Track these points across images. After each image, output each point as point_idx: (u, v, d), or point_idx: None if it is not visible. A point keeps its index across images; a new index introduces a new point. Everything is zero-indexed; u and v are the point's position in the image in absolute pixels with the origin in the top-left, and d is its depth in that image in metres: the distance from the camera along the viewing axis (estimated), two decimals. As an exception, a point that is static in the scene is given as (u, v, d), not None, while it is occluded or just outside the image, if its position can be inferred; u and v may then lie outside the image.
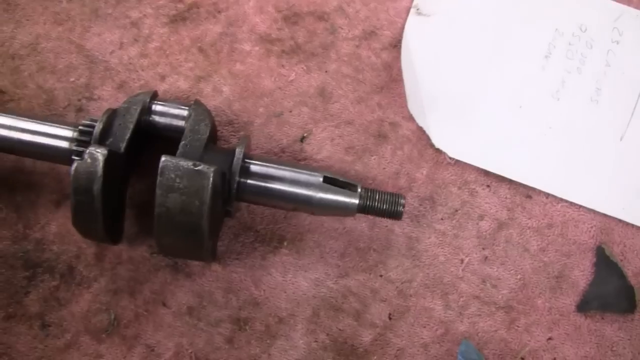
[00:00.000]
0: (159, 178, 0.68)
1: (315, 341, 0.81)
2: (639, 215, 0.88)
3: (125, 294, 0.81)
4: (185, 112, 0.77)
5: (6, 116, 0.76)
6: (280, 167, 0.77)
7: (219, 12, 0.90)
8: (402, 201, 0.78)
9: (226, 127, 0.86)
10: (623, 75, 0.92)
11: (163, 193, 0.68)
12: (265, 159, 0.78)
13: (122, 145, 0.74)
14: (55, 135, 0.76)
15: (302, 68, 0.89)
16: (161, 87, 0.87)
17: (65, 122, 0.78)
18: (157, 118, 0.78)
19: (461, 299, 0.84)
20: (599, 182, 0.89)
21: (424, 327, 0.83)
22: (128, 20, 0.89)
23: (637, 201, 0.88)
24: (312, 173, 0.76)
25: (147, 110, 0.77)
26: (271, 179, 0.76)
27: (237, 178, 0.74)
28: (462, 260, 0.85)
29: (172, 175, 0.68)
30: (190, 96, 0.87)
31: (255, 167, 0.76)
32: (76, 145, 0.74)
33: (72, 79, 0.87)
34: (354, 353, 0.81)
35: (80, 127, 0.75)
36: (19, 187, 0.83)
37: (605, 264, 0.86)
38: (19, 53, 0.87)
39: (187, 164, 0.68)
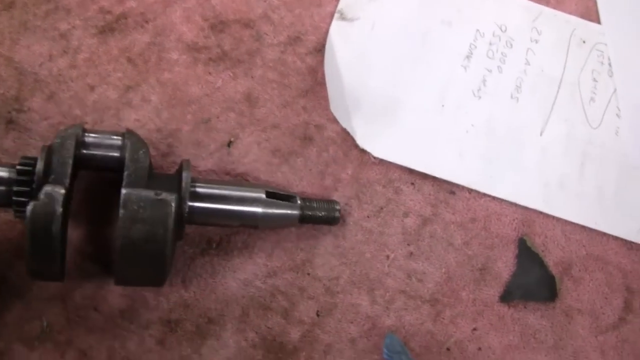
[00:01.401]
0: (122, 211, 0.70)
1: (245, 340, 0.84)
2: (559, 206, 0.93)
3: (57, 301, 0.84)
4: (119, 142, 0.78)
5: None
6: (223, 187, 0.81)
7: (147, 22, 0.93)
8: (338, 207, 0.84)
9: (155, 135, 0.89)
10: (542, 73, 0.98)
11: (126, 225, 0.70)
12: (208, 181, 0.83)
13: (66, 181, 0.74)
14: None
15: (229, 75, 0.92)
16: (91, 98, 0.90)
17: None
18: (91, 150, 0.78)
19: (387, 294, 0.88)
20: (520, 176, 0.94)
21: (352, 322, 0.86)
22: (57, 32, 0.92)
23: (557, 193, 0.93)
24: (255, 190, 0.81)
25: (80, 144, 0.77)
26: (218, 199, 0.80)
27: (187, 202, 0.76)
28: (388, 257, 0.89)
29: (135, 207, 0.70)
30: (119, 105, 0.90)
31: (201, 190, 0.79)
32: (17, 186, 0.74)
33: (1, 91, 0.89)
34: (283, 350, 0.85)
35: (18, 167, 0.74)
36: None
37: (527, 255, 0.91)
38: (-51, 67, 0.90)
39: (149, 194, 0.71)
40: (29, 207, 0.70)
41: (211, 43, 0.94)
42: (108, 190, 0.83)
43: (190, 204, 0.78)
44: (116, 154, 0.79)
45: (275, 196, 0.81)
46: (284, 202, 0.81)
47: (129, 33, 0.93)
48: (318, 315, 0.86)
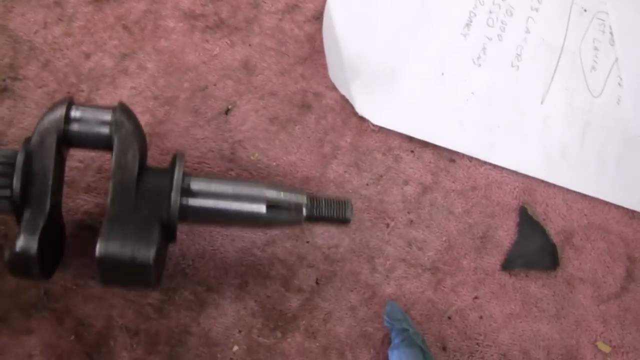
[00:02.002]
0: (97, 270, 0.69)
1: (244, 308, 0.85)
2: (560, 175, 0.93)
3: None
4: (108, 117, 0.73)
5: None
6: (224, 185, 0.77)
7: (142, -11, 0.93)
8: (350, 207, 0.79)
9: (152, 102, 0.89)
10: (542, 41, 0.98)
11: (105, 279, 0.71)
12: (205, 175, 0.80)
13: (47, 200, 0.71)
14: None
15: (226, 42, 0.92)
16: (86, 65, 0.90)
17: None
18: (77, 128, 0.73)
19: (388, 262, 0.88)
20: (521, 144, 0.94)
21: (351, 290, 0.87)
22: (51, 0, 0.92)
23: (558, 162, 0.93)
24: (257, 197, 0.76)
25: (65, 131, 0.73)
26: (216, 197, 0.75)
27: (178, 204, 0.72)
28: (387, 225, 0.89)
29: (111, 267, 0.69)
30: (115, 73, 0.90)
31: (196, 186, 0.75)
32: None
33: (-5, 60, 0.89)
34: (282, 318, 0.85)
35: None
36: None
37: (528, 223, 0.91)
38: (-58, 36, 0.90)
39: (125, 255, 0.68)
40: (6, 256, 0.69)
41: (208, 11, 0.94)
42: (103, 155, 0.84)
43: (182, 203, 0.73)
44: (106, 132, 0.73)
45: (279, 204, 0.76)
46: (288, 210, 0.77)
47: (124, 1, 0.93)
48: (317, 283, 0.86)
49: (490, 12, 0.98)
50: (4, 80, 0.89)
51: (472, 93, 0.95)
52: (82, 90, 0.89)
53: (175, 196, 0.72)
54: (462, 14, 0.98)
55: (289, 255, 0.87)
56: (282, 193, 0.77)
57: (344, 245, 0.88)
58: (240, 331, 0.84)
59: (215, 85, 0.91)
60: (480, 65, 0.96)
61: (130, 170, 0.72)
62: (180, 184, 0.72)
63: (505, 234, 0.91)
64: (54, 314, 0.83)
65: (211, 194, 0.75)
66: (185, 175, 0.75)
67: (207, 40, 0.93)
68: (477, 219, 0.91)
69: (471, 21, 0.98)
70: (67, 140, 0.73)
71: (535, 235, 0.91)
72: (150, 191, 0.72)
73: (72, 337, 0.82)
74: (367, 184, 0.90)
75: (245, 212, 0.76)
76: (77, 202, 0.85)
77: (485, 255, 0.90)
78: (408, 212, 0.90)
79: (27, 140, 0.73)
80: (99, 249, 0.69)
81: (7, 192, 0.71)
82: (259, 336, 0.84)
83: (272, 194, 0.76)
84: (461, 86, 0.95)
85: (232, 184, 0.77)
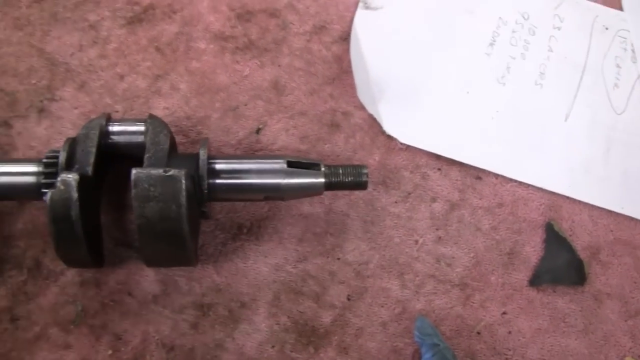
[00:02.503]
0: (133, 190, 0.73)
1: (277, 324, 0.87)
2: (585, 191, 0.96)
3: (91, 286, 0.87)
4: (142, 127, 0.82)
5: None
6: (243, 161, 0.83)
7: (174, 12, 0.97)
8: (365, 171, 0.83)
9: (184, 122, 0.92)
10: (565, 60, 1.01)
11: (140, 204, 0.74)
12: (227, 156, 0.85)
13: (89, 169, 0.78)
14: (21, 172, 0.80)
15: (256, 63, 0.96)
16: (120, 87, 0.93)
17: (27, 158, 0.84)
18: (116, 138, 0.83)
19: (417, 278, 0.91)
20: (546, 161, 0.96)
21: (382, 306, 0.89)
22: (86, 23, 0.96)
23: (583, 178, 0.96)
24: (275, 160, 0.82)
25: (105, 133, 0.82)
26: (238, 173, 0.82)
27: (206, 179, 0.79)
28: (416, 241, 0.92)
29: (146, 185, 0.74)
30: (149, 94, 0.93)
31: (221, 166, 0.82)
32: (44, 178, 0.78)
33: (33, 81, 0.93)
34: (315, 334, 0.88)
35: (44, 160, 0.79)
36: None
37: (554, 239, 0.94)
38: (-20, 58, 0.94)
39: (157, 171, 0.74)
40: (47, 195, 0.74)
41: (238, 32, 0.97)
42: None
43: (210, 180, 0.80)
44: (140, 140, 0.82)
45: (298, 165, 0.82)
46: (307, 171, 0.82)
47: (157, 23, 0.97)
48: (349, 299, 0.89)
49: (513, 31, 1.02)
50: (41, 101, 0.93)
51: (497, 111, 0.98)
52: (117, 111, 0.92)
53: (202, 162, 0.79)
54: (485, 34, 1.01)
55: (320, 272, 0.90)
56: (300, 162, 0.81)
57: (374, 261, 0.91)
58: (273, 346, 0.86)
59: (246, 105, 0.94)
60: (504, 84, 0.99)
61: (162, 148, 0.79)
62: (206, 164, 0.79)
63: (532, 250, 0.93)
64: (91, 330, 0.86)
65: (234, 172, 0.82)
66: (210, 157, 0.81)
67: (237, 61, 0.96)
68: (504, 235, 0.93)
69: (495, 41, 1.01)
70: (106, 143, 0.81)
71: (562, 251, 0.93)
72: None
73: (110, 352, 0.85)
74: (396, 202, 0.93)
75: (267, 185, 0.81)
76: (112, 218, 0.88)
77: (512, 271, 0.92)
78: (436, 229, 0.93)
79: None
80: (134, 172, 0.74)
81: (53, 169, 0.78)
82: (292, 351, 0.86)
83: (290, 164, 0.81)
84: (486, 105, 0.98)
85: (252, 161, 0.83)
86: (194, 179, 0.79)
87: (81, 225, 0.75)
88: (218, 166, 0.82)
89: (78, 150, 0.79)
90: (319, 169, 0.82)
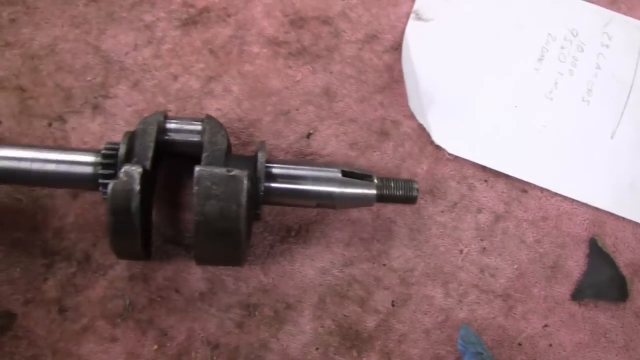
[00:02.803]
0: (195, 187, 0.75)
1: (322, 326, 0.88)
2: (630, 208, 0.97)
3: (139, 281, 0.88)
4: (199, 127, 0.84)
5: (28, 149, 0.82)
6: (299, 167, 0.84)
7: (229, 16, 0.99)
8: (416, 186, 0.85)
9: (236, 124, 0.94)
10: (613, 77, 1.02)
11: (201, 201, 0.75)
12: (283, 161, 0.86)
13: (147, 164, 0.80)
14: (79, 162, 0.81)
15: (308, 69, 0.98)
16: (173, 87, 0.95)
17: (84, 148, 0.86)
18: (172, 135, 0.84)
19: (461, 288, 0.92)
20: (591, 177, 0.98)
21: (426, 314, 0.90)
22: (142, 24, 0.98)
23: (628, 195, 0.97)
24: (330, 169, 0.84)
25: (162, 130, 0.84)
26: (294, 179, 0.83)
27: (263, 182, 0.81)
28: (461, 251, 0.93)
29: (208, 183, 0.75)
30: (201, 95, 0.95)
31: (277, 170, 0.84)
32: (102, 169, 0.80)
33: (88, 78, 0.95)
34: (358, 338, 0.89)
35: (103, 152, 0.81)
36: (38, 180, 0.90)
37: (598, 255, 0.95)
38: (38, 54, 0.96)
39: (221, 170, 0.76)
40: (110, 186, 0.76)
41: (291, 38, 0.99)
42: (190, 175, 0.88)
43: (266, 184, 0.82)
44: (196, 139, 0.84)
45: (352, 175, 0.84)
46: (360, 181, 0.84)
47: (211, 26, 0.99)
48: (393, 305, 0.90)
49: (562, 47, 1.03)
50: (95, 97, 0.95)
51: (544, 126, 0.99)
52: (170, 110, 0.94)
53: (260, 165, 0.81)
54: (534, 49, 1.02)
55: (366, 277, 0.91)
56: (354, 173, 0.83)
57: (419, 269, 0.92)
58: (317, 349, 0.88)
59: (297, 110, 0.96)
60: (552, 99, 1.00)
61: (220, 148, 0.81)
62: (264, 167, 0.81)
63: (575, 264, 0.94)
64: (138, 324, 0.87)
65: (290, 177, 0.83)
66: (267, 160, 0.83)
67: (290, 67, 0.98)
68: (548, 248, 0.94)
69: (543, 56, 1.02)
70: (163, 140, 0.83)
71: (605, 267, 0.94)
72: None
73: (155, 347, 0.86)
74: (442, 211, 0.94)
75: (321, 192, 0.83)
76: (163, 215, 0.90)
77: (555, 285, 0.93)
78: (481, 240, 0.94)
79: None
80: (197, 169, 0.76)
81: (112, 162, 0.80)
82: (335, 354, 0.88)
83: (344, 174, 0.83)
84: (533, 119, 0.99)
85: (308, 168, 0.84)
86: (253, 181, 0.80)
87: (139, 219, 0.76)
88: (275, 170, 0.83)
89: (136, 144, 0.81)
90: (372, 181, 0.84)
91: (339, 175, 0.83)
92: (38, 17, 0.98)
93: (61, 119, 0.93)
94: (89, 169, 0.81)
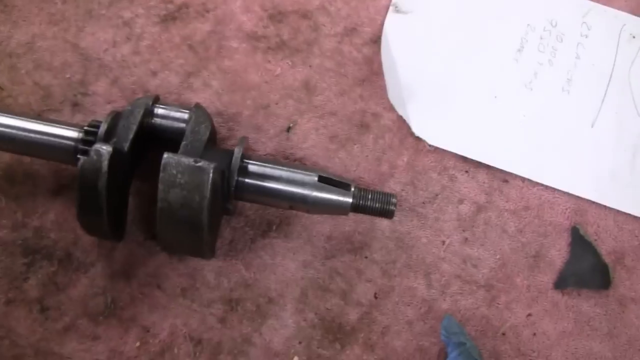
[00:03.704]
0: (161, 174, 0.75)
1: (304, 320, 0.88)
2: (611, 197, 0.97)
3: (121, 278, 0.88)
4: (186, 115, 0.85)
5: (13, 117, 0.83)
6: (276, 167, 0.84)
7: (207, 11, 0.99)
8: (394, 200, 0.84)
9: (216, 118, 0.94)
10: (592, 67, 1.02)
11: (165, 188, 0.75)
12: (262, 159, 0.86)
13: (126, 145, 0.81)
14: (61, 135, 0.83)
15: (287, 63, 0.97)
16: (153, 83, 0.95)
17: (70, 123, 0.85)
18: (159, 121, 0.85)
19: (443, 279, 0.92)
20: (572, 166, 0.98)
21: (408, 305, 0.90)
22: (121, 20, 0.98)
23: (609, 184, 0.97)
24: (308, 172, 0.83)
25: (149, 113, 0.84)
26: (268, 178, 0.83)
27: (235, 177, 0.81)
28: (443, 242, 0.93)
29: (174, 172, 0.75)
30: (181, 90, 0.95)
31: (253, 167, 0.84)
32: (82, 145, 0.81)
33: (67, 76, 0.95)
34: (341, 331, 0.89)
35: (85, 128, 0.82)
36: (18, 178, 0.90)
37: (580, 243, 0.95)
38: (16, 52, 0.95)
39: (188, 160, 0.76)
40: (79, 162, 0.76)
41: (270, 32, 0.99)
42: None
43: (239, 179, 0.82)
44: (182, 126, 0.84)
45: (329, 181, 0.83)
46: (336, 189, 0.83)
47: (190, 22, 0.99)
48: (376, 297, 0.90)
49: (541, 38, 1.03)
50: (75, 95, 0.94)
51: (524, 116, 0.99)
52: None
53: (235, 160, 0.81)
54: (514, 40, 1.02)
55: (348, 270, 0.91)
56: (331, 179, 0.83)
57: (401, 261, 0.92)
58: (300, 342, 0.87)
59: (277, 104, 0.96)
60: (531, 89, 1.00)
61: (200, 138, 0.81)
62: (238, 162, 0.81)
63: (558, 253, 0.94)
64: (120, 322, 0.87)
65: (265, 175, 0.83)
66: (245, 156, 0.83)
67: (269, 61, 0.98)
68: (530, 238, 0.94)
69: (523, 47, 1.02)
70: (149, 124, 0.84)
71: (587, 255, 0.94)
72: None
73: (138, 344, 0.86)
74: (424, 203, 0.94)
75: (295, 194, 0.83)
76: (145, 211, 0.90)
77: (538, 274, 0.93)
78: (463, 230, 0.94)
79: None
80: (165, 156, 0.76)
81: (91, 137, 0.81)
82: (318, 347, 0.87)
83: (321, 179, 0.82)
84: (513, 109, 0.99)
85: (285, 169, 0.84)
86: (224, 174, 0.80)
87: (106, 197, 0.77)
88: (250, 167, 0.83)
89: (119, 125, 0.82)
90: (349, 189, 0.83)
91: (315, 179, 0.82)
92: (16, 15, 0.97)
93: (40, 117, 0.93)
94: (69, 144, 0.83)
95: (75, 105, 0.94)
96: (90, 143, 0.81)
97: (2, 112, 0.85)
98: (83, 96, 0.94)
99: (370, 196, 0.85)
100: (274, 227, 0.91)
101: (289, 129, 0.95)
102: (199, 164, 0.76)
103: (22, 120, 0.84)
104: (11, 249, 0.88)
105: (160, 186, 0.76)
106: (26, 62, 0.95)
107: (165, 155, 0.76)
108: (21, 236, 0.89)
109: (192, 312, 0.88)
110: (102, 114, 0.93)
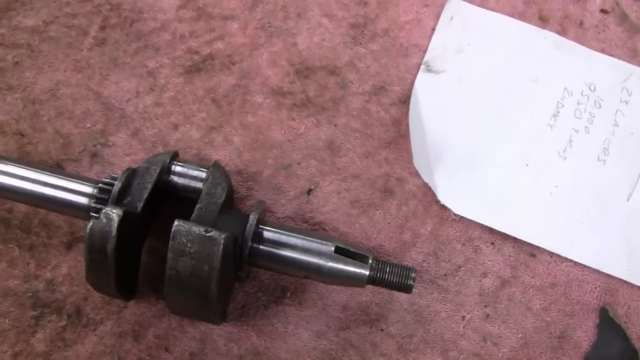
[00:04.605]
0: (171, 242, 0.73)
1: (314, 393, 0.85)
2: (644, 277, 0.91)
3: (129, 338, 0.85)
4: (203, 174, 0.82)
5: (28, 169, 0.82)
6: (292, 234, 0.81)
7: (233, 64, 0.96)
8: (413, 275, 0.81)
9: (235, 177, 0.91)
10: (631, 136, 0.97)
11: (174, 257, 0.73)
12: (278, 225, 0.82)
13: (139, 205, 0.78)
14: (76, 190, 0.81)
15: (312, 121, 0.94)
16: (174, 136, 0.92)
17: (86, 178, 0.84)
18: (175, 179, 0.83)
19: (461, 356, 0.87)
20: (604, 242, 0.92)
21: (423, 382, 0.86)
22: (145, 70, 0.95)
23: (643, 263, 0.91)
24: (324, 242, 0.80)
25: (166, 170, 0.82)
26: (283, 246, 0.80)
27: (249, 243, 0.78)
28: (463, 317, 0.88)
29: (184, 240, 0.73)
30: (201, 145, 0.92)
31: (268, 234, 0.81)
32: (95, 202, 0.79)
33: (88, 125, 0.93)
34: (352, 406, 0.85)
35: (100, 185, 0.80)
36: (33, 228, 0.88)
37: (609, 325, 0.89)
38: (39, 98, 0.94)
39: (199, 229, 0.73)
40: (88, 225, 0.74)
41: (296, 88, 0.96)
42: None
43: (254, 245, 0.79)
44: (198, 186, 0.82)
45: (346, 252, 0.80)
46: (353, 260, 0.80)
47: (214, 74, 0.96)
48: (389, 373, 0.86)
49: (579, 103, 0.98)
50: (94, 145, 0.92)
51: (556, 186, 0.94)
52: (169, 161, 0.91)
53: (250, 226, 0.78)
54: (549, 104, 0.98)
55: (362, 343, 0.87)
56: (348, 250, 0.79)
57: (418, 335, 0.88)
58: (309, 417, 0.84)
59: (299, 164, 0.93)
60: (565, 157, 0.95)
61: (216, 201, 0.79)
62: (252, 229, 0.78)
63: (584, 335, 0.89)
64: (126, 384, 0.84)
65: (280, 243, 0.80)
66: (260, 222, 0.80)
67: (293, 118, 0.94)
68: (556, 317, 0.89)
69: (558, 112, 0.97)
70: (165, 181, 0.82)
71: (616, 339, 0.89)
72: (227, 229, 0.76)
73: (143, 410, 0.83)
74: (445, 275, 0.90)
75: (310, 264, 0.79)
76: (159, 269, 0.87)
77: (562, 356, 0.88)
78: (485, 306, 0.89)
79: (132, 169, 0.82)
80: (175, 224, 0.73)
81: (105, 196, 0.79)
82: None
83: (337, 250, 0.79)
84: (545, 179, 0.94)
85: (301, 237, 0.80)
86: (237, 241, 0.77)
87: (114, 261, 0.75)
88: (265, 233, 0.80)
89: (134, 183, 0.80)
90: (367, 262, 0.80)
91: (331, 249, 0.79)
92: (42, 60, 0.96)
93: (59, 166, 0.91)
94: (83, 200, 0.81)
95: (94, 156, 0.92)
96: (104, 201, 0.79)
97: (18, 162, 0.83)
98: (102, 147, 0.92)
99: (388, 269, 0.81)
100: (288, 294, 0.88)
101: (309, 191, 0.92)
102: (210, 234, 0.73)
103: (37, 172, 0.83)
104: (21, 301, 0.87)
105: (170, 254, 0.74)
106: (49, 109, 0.94)
107: (176, 222, 0.74)
108: (32, 288, 0.87)
109: (200, 379, 0.85)
110: (120, 166, 0.91)
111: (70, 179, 0.83)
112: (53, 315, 0.86)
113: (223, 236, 0.73)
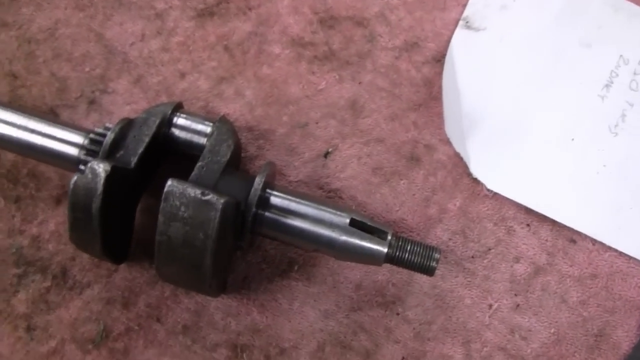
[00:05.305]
0: (162, 204, 0.64)
1: (318, 378, 0.76)
2: (698, 274, 0.80)
3: (118, 305, 0.77)
4: (208, 129, 0.73)
5: (16, 114, 0.74)
6: (303, 201, 0.71)
7: (250, 9, 0.86)
8: (437, 255, 0.71)
9: (244, 134, 0.82)
10: (694, 114, 0.85)
11: (165, 221, 0.64)
12: (289, 191, 0.73)
13: (133, 160, 0.69)
14: (66, 140, 0.73)
15: (334, 77, 0.84)
16: (180, 86, 0.83)
17: (80, 127, 0.75)
18: (177, 132, 0.74)
19: (485, 349, 0.77)
20: (655, 232, 0.81)
21: (440, 375, 0.77)
22: (153, 11, 0.86)
23: (698, 258, 0.80)
24: (339, 213, 0.70)
25: (167, 123, 0.73)
26: (292, 214, 0.70)
27: (253, 209, 0.68)
28: (490, 306, 0.79)
29: (177, 203, 0.64)
30: (210, 97, 0.83)
31: (275, 199, 0.71)
32: (84, 154, 0.71)
33: (87, 69, 0.84)
34: (359, 396, 0.76)
35: (91, 135, 0.72)
36: (21, 178, 0.80)
37: (654, 325, 0.79)
38: (36, 37, 0.85)
39: (194, 191, 0.64)
40: (72, 180, 0.65)
41: (318, 39, 0.85)
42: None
43: (259, 211, 0.70)
44: (202, 141, 0.73)
45: (362, 226, 0.70)
46: (370, 235, 0.70)
47: (229, 19, 0.86)
48: (403, 362, 0.77)
49: (635, 73, 0.86)
50: (93, 92, 0.83)
51: (604, 165, 0.83)
52: (176, 110, 0.82)
53: (255, 190, 0.68)
54: (601, 73, 0.86)
55: (375, 327, 0.77)
56: (365, 224, 0.70)
57: (439, 322, 0.78)
58: (310, 405, 0.75)
59: (317, 123, 0.83)
60: (616, 134, 0.84)
61: (219, 160, 0.69)
62: (258, 193, 0.68)
63: (625, 334, 0.79)
64: (111, 353, 0.77)
65: (289, 211, 0.70)
66: (268, 186, 0.71)
67: (313, 72, 0.84)
68: (594, 312, 0.79)
69: (612, 82, 0.86)
70: (165, 134, 0.73)
71: (661, 341, 0.79)
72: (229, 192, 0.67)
73: (128, 382, 0.75)
74: (473, 257, 0.80)
75: (321, 236, 0.70)
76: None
77: (598, 357, 0.78)
78: (515, 295, 0.79)
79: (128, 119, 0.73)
80: (168, 184, 0.64)
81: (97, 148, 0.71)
82: (330, 413, 0.75)
83: (353, 223, 0.69)
84: (592, 156, 0.83)
85: (313, 205, 0.71)
86: (239, 206, 0.67)
87: (100, 221, 0.66)
88: (273, 199, 0.71)
89: (130, 135, 0.71)
90: (385, 238, 0.69)
91: (347, 221, 0.69)
92: (40, -5, 0.86)
93: (53, 112, 0.83)
94: (73, 150, 0.72)
95: (92, 103, 0.83)
96: (94, 153, 0.70)
97: (7, 106, 0.75)
98: (101, 93, 0.83)
99: (409, 247, 0.71)
100: (296, 268, 0.78)
101: (327, 154, 0.81)
102: (207, 197, 0.63)
103: (25, 118, 0.74)
104: (3, 257, 0.79)
105: (160, 218, 0.64)
106: (45, 49, 0.85)
107: (169, 182, 0.64)
108: (16, 244, 0.79)
109: (192, 354, 0.76)
110: (120, 115, 0.82)
111: (61, 126, 0.74)
112: (37, 275, 0.78)
113: (222, 200, 0.63)
